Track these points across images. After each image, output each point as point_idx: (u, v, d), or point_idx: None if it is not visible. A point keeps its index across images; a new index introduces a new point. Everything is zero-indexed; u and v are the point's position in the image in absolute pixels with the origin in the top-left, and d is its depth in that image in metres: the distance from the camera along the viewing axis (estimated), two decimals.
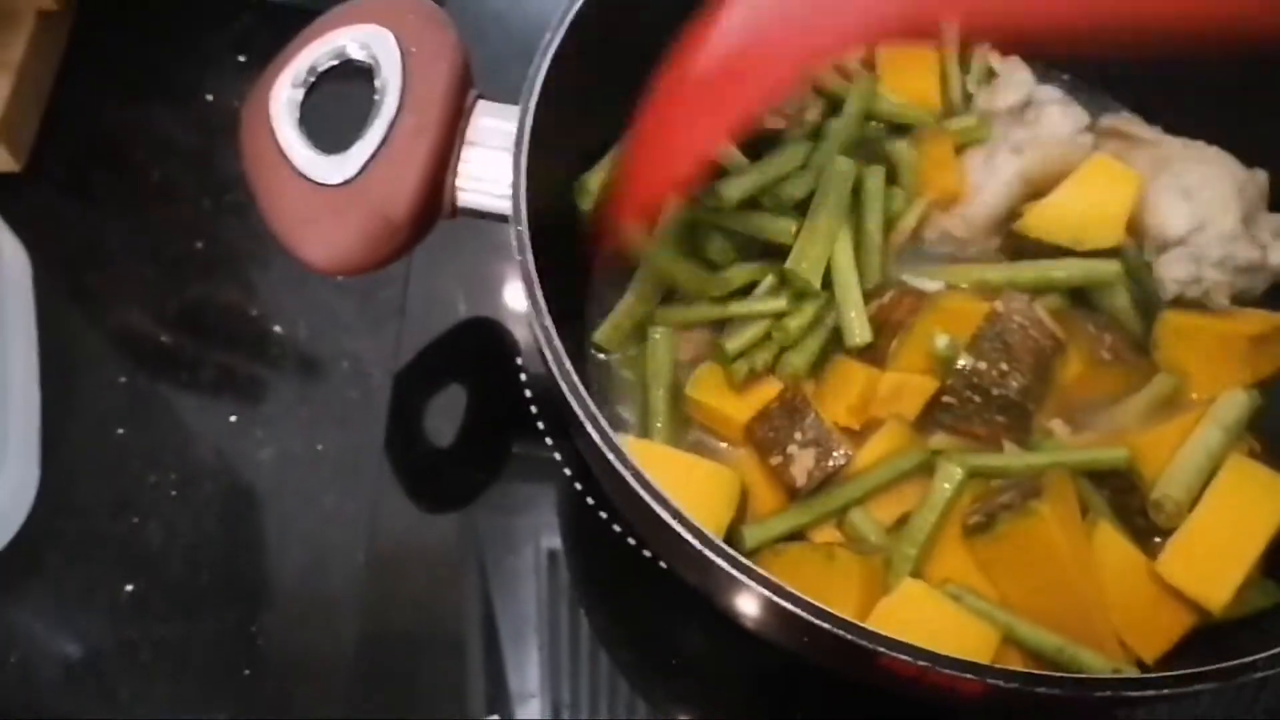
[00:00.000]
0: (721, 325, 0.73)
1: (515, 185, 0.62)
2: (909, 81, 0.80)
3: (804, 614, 0.51)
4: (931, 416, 0.69)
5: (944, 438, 0.69)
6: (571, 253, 0.73)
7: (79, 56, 0.96)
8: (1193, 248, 0.72)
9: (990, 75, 0.82)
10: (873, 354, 0.71)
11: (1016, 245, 0.75)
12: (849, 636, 0.50)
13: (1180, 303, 0.73)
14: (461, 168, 0.66)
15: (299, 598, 0.79)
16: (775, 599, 0.51)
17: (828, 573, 0.62)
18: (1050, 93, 0.80)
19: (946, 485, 0.65)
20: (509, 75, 0.68)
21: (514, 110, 0.65)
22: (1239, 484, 0.64)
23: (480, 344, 0.88)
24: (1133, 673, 0.61)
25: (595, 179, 0.76)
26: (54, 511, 0.80)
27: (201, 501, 0.81)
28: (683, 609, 0.74)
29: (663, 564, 0.74)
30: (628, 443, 0.65)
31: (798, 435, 0.66)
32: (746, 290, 0.74)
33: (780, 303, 0.70)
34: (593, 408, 0.55)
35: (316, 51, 0.65)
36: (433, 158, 0.64)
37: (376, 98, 0.65)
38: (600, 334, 0.74)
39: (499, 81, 0.70)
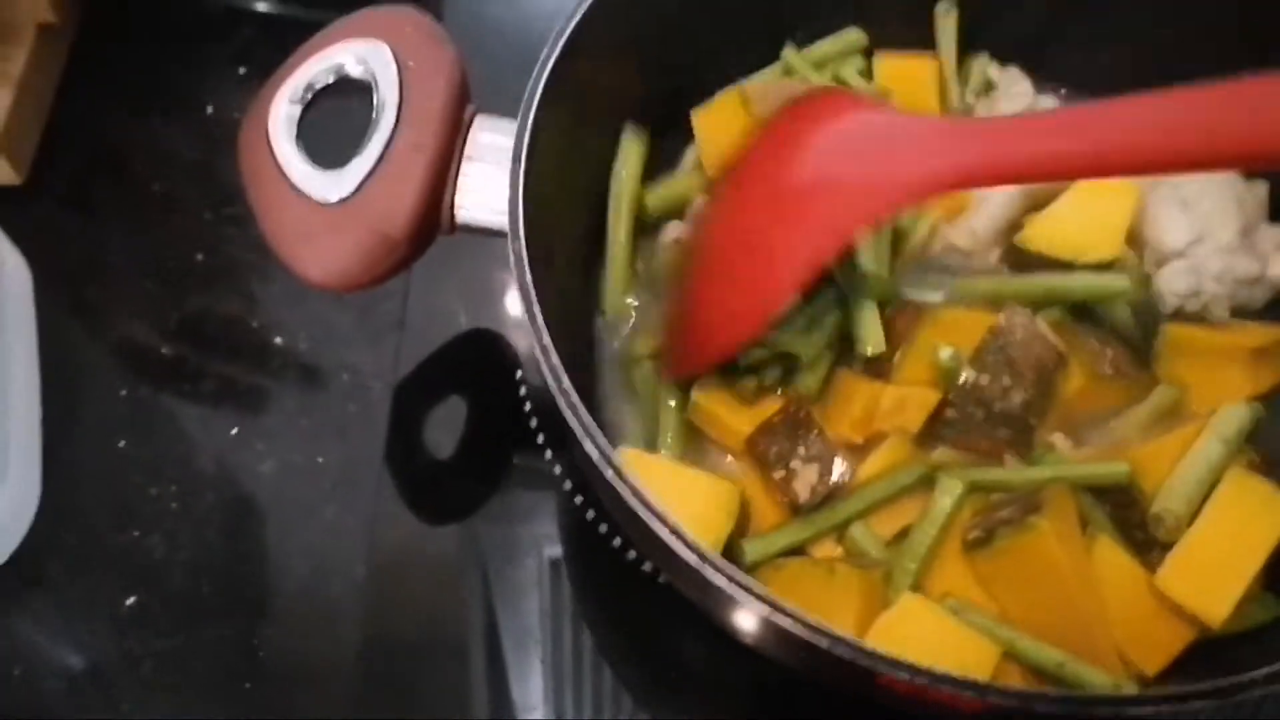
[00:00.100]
0: None
1: (513, 201, 0.62)
2: (908, 93, 0.80)
3: (803, 632, 0.50)
4: (934, 430, 0.69)
5: (946, 451, 0.68)
6: (571, 266, 0.74)
7: (80, 69, 0.97)
8: (1192, 260, 0.72)
9: (989, 86, 0.82)
10: (875, 366, 0.71)
11: (1017, 257, 0.75)
12: (848, 655, 0.50)
13: (1180, 315, 0.72)
14: (460, 183, 0.66)
15: (300, 609, 0.79)
16: (774, 616, 0.51)
17: (828, 587, 0.62)
18: (1049, 104, 0.79)
19: (946, 500, 0.65)
20: (508, 88, 0.68)
21: (512, 125, 0.65)
22: (1239, 497, 0.64)
23: (480, 355, 0.88)
24: (1133, 689, 0.61)
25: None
26: (56, 524, 0.80)
27: (202, 513, 0.81)
28: (684, 622, 0.73)
29: (662, 578, 0.74)
30: (627, 456, 0.65)
31: (801, 450, 0.66)
32: None
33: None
34: (591, 425, 0.55)
35: (314, 68, 0.65)
36: (431, 174, 0.64)
37: (374, 113, 0.65)
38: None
39: (498, 95, 0.70)
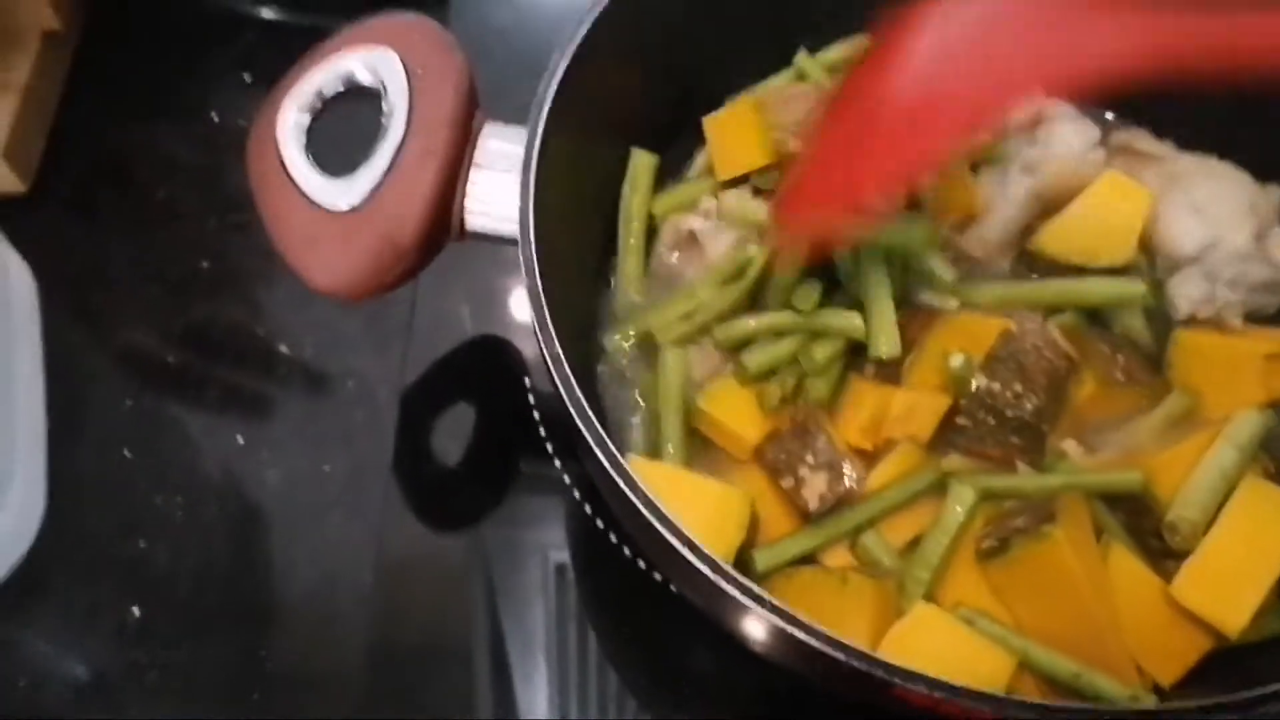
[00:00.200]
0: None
1: (523, 209, 0.61)
2: None
3: (818, 644, 0.50)
4: (945, 437, 0.68)
5: (957, 459, 0.68)
6: (579, 272, 0.73)
7: (84, 76, 0.97)
8: (1205, 266, 0.71)
9: None
10: (885, 371, 0.71)
11: (1029, 263, 0.75)
12: (865, 667, 0.50)
13: (1193, 321, 0.72)
14: (469, 191, 0.65)
15: (307, 619, 0.78)
16: (788, 628, 0.50)
17: (840, 597, 0.61)
18: (1061, 108, 0.79)
19: (959, 508, 0.64)
20: (517, 95, 0.67)
21: (522, 132, 0.65)
22: (1255, 505, 0.63)
23: (488, 361, 0.88)
24: (1150, 700, 0.61)
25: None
26: (61, 534, 0.80)
27: (208, 523, 0.81)
28: (692, 630, 0.73)
29: (673, 587, 0.73)
30: (636, 464, 0.65)
31: (809, 458, 0.65)
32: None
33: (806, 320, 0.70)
34: (601, 433, 0.55)
35: (322, 75, 0.64)
36: (440, 181, 0.63)
37: (383, 121, 0.64)
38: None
39: (507, 102, 0.70)
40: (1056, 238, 0.73)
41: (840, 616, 0.60)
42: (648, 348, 0.73)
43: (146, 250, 0.91)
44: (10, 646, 0.77)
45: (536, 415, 0.82)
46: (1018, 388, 0.67)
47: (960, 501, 0.64)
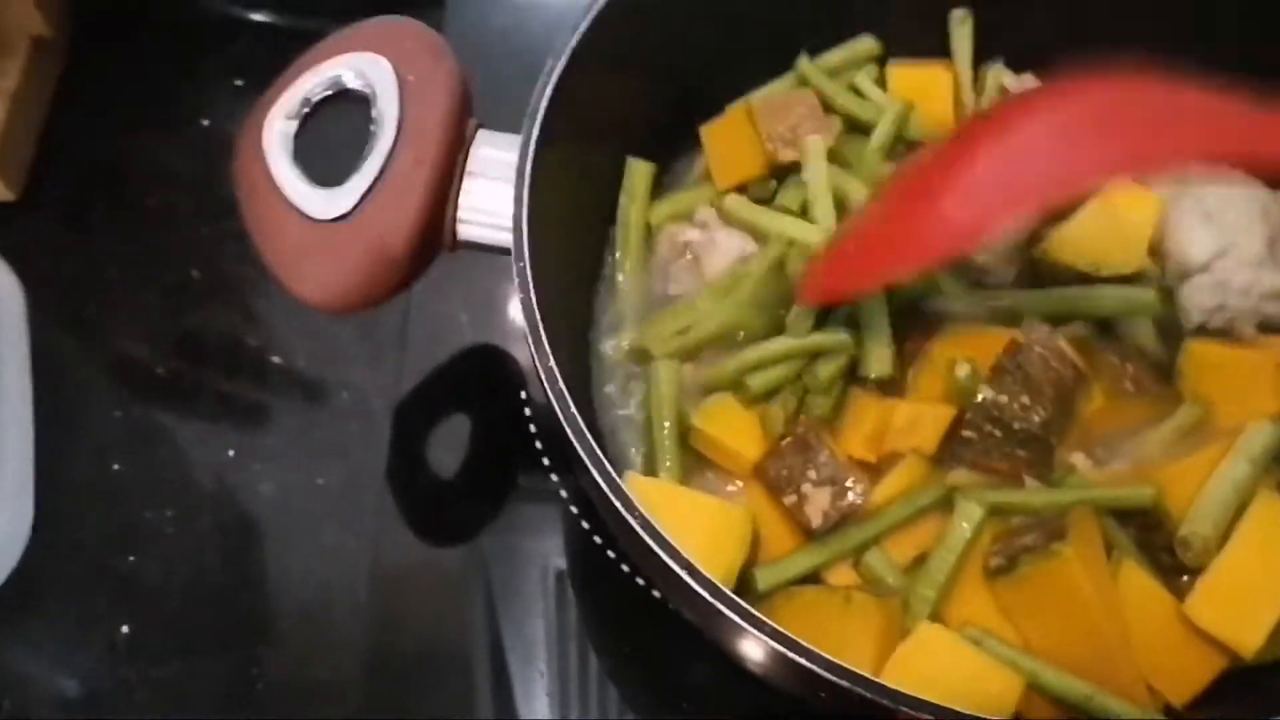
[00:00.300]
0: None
1: (517, 218, 0.60)
2: (922, 102, 0.78)
3: (821, 670, 0.48)
4: (950, 451, 0.66)
5: (963, 473, 0.66)
6: (574, 283, 0.72)
7: (74, 83, 0.96)
8: (1216, 274, 0.70)
9: (1005, 94, 0.80)
10: (888, 384, 0.69)
11: (1036, 271, 0.73)
12: (870, 694, 0.48)
13: (1204, 331, 0.70)
14: (462, 200, 0.64)
15: (300, 635, 0.77)
16: (790, 655, 0.49)
17: (844, 617, 0.60)
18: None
19: (965, 525, 0.62)
20: (511, 101, 0.66)
21: (516, 140, 0.63)
22: (1269, 521, 0.62)
23: (484, 371, 0.87)
24: None
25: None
26: (50, 548, 0.79)
27: (200, 537, 0.80)
28: (691, 645, 0.71)
29: (672, 605, 0.72)
30: (633, 482, 0.63)
31: (811, 473, 0.64)
32: None
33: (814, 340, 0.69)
34: (596, 451, 0.53)
35: (311, 81, 0.63)
36: (432, 190, 0.62)
37: (373, 128, 0.63)
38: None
39: (500, 108, 0.68)
40: (1064, 245, 0.71)
41: (844, 637, 0.59)
42: (646, 359, 0.72)
43: (137, 259, 0.90)
44: None
45: (533, 429, 0.80)
46: (1025, 400, 0.65)
47: (967, 518, 0.63)
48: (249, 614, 0.78)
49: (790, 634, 0.50)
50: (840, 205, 0.72)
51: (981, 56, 0.81)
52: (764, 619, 0.49)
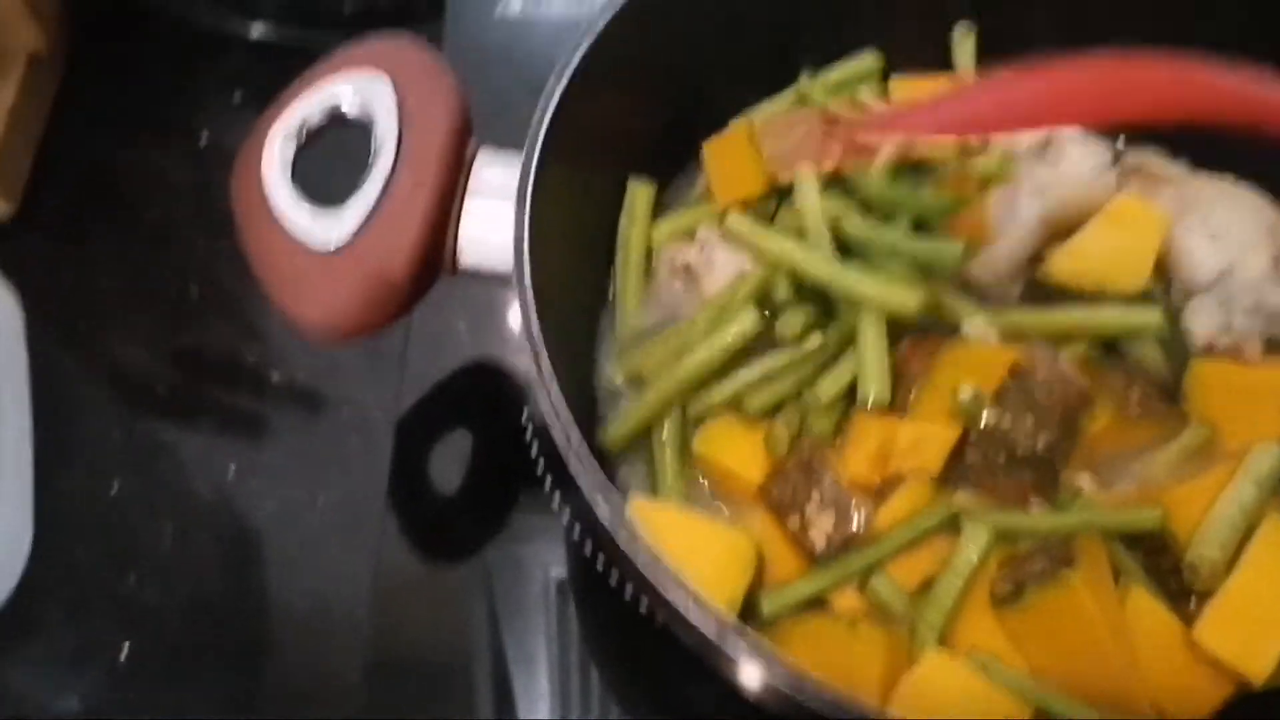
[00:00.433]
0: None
1: (518, 243, 0.59)
2: None
3: (829, 705, 0.48)
4: (954, 473, 0.66)
5: (968, 495, 0.66)
6: (575, 305, 0.71)
7: (71, 98, 0.95)
8: (1222, 294, 0.69)
9: None
10: (889, 405, 0.68)
11: (1039, 290, 0.72)
12: None
13: (1211, 351, 0.70)
14: (463, 223, 0.63)
15: (301, 653, 0.77)
16: (798, 689, 0.48)
17: (849, 645, 0.59)
18: (1070, 129, 0.77)
19: (972, 550, 0.62)
20: (511, 119, 0.65)
21: (517, 159, 0.62)
22: (1277, 545, 0.61)
23: (485, 385, 0.86)
24: None
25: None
26: (49, 569, 0.78)
27: (200, 557, 0.79)
28: (696, 670, 0.71)
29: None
30: (637, 507, 0.63)
31: (815, 496, 0.63)
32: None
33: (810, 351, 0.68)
34: (604, 483, 0.53)
35: (309, 102, 0.62)
36: (432, 214, 0.61)
37: (372, 150, 0.62)
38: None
39: (500, 126, 0.67)
40: (1068, 264, 0.71)
41: (850, 666, 0.58)
42: (642, 383, 0.71)
43: (136, 274, 0.90)
44: None
45: (535, 451, 0.79)
46: (1029, 422, 0.65)
47: (974, 543, 0.62)
48: (249, 632, 0.77)
49: (797, 667, 0.49)
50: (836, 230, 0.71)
51: (986, 70, 0.81)
52: (772, 652, 0.49)
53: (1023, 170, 0.76)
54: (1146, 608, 0.61)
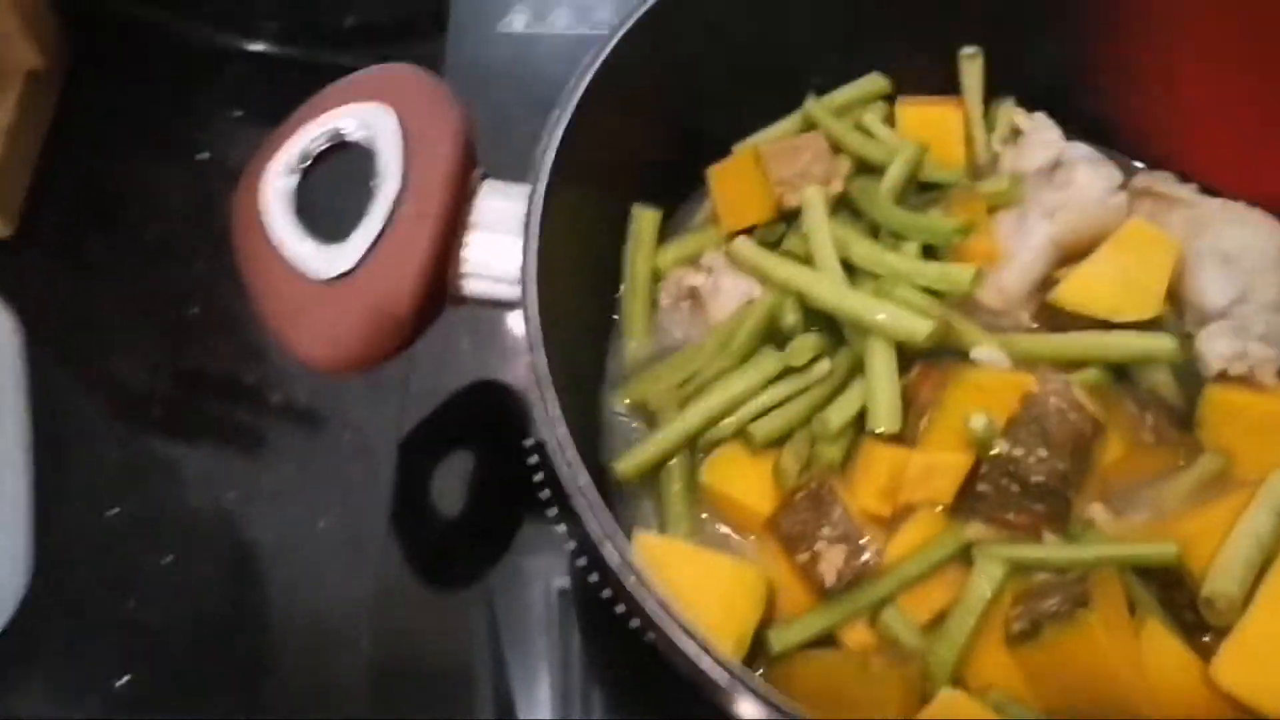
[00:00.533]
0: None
1: (525, 273, 0.58)
2: (932, 140, 0.77)
3: None
4: (966, 504, 0.65)
5: (979, 527, 0.65)
6: (580, 335, 0.70)
7: (69, 116, 0.95)
8: (1235, 320, 0.69)
9: (1016, 133, 0.79)
10: (899, 433, 0.68)
11: (1050, 316, 0.72)
12: None
13: (1224, 378, 0.69)
14: (467, 253, 0.62)
15: (302, 681, 0.76)
16: None
17: (861, 684, 0.58)
18: (1080, 150, 0.76)
19: (985, 585, 0.61)
20: (515, 147, 0.64)
21: (522, 190, 0.61)
22: None
23: (490, 404, 0.85)
24: None
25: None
26: (47, 597, 0.77)
27: (200, 585, 0.79)
28: (703, 701, 0.70)
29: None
30: (644, 541, 0.62)
31: (825, 530, 0.62)
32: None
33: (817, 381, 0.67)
34: (612, 526, 0.52)
35: (311, 134, 0.61)
36: (436, 245, 0.60)
37: (375, 181, 0.61)
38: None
39: (504, 154, 0.67)
40: (1079, 290, 0.70)
41: (862, 705, 0.57)
42: (648, 413, 0.70)
43: (135, 295, 0.89)
44: None
45: (538, 477, 0.78)
46: (1042, 452, 0.64)
47: (987, 578, 0.61)
48: (250, 658, 0.76)
49: (807, 711, 0.48)
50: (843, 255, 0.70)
51: (993, 93, 0.80)
52: (784, 701, 0.48)
53: (1032, 192, 0.75)
54: (1163, 644, 0.60)
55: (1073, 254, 0.73)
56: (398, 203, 0.60)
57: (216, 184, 0.90)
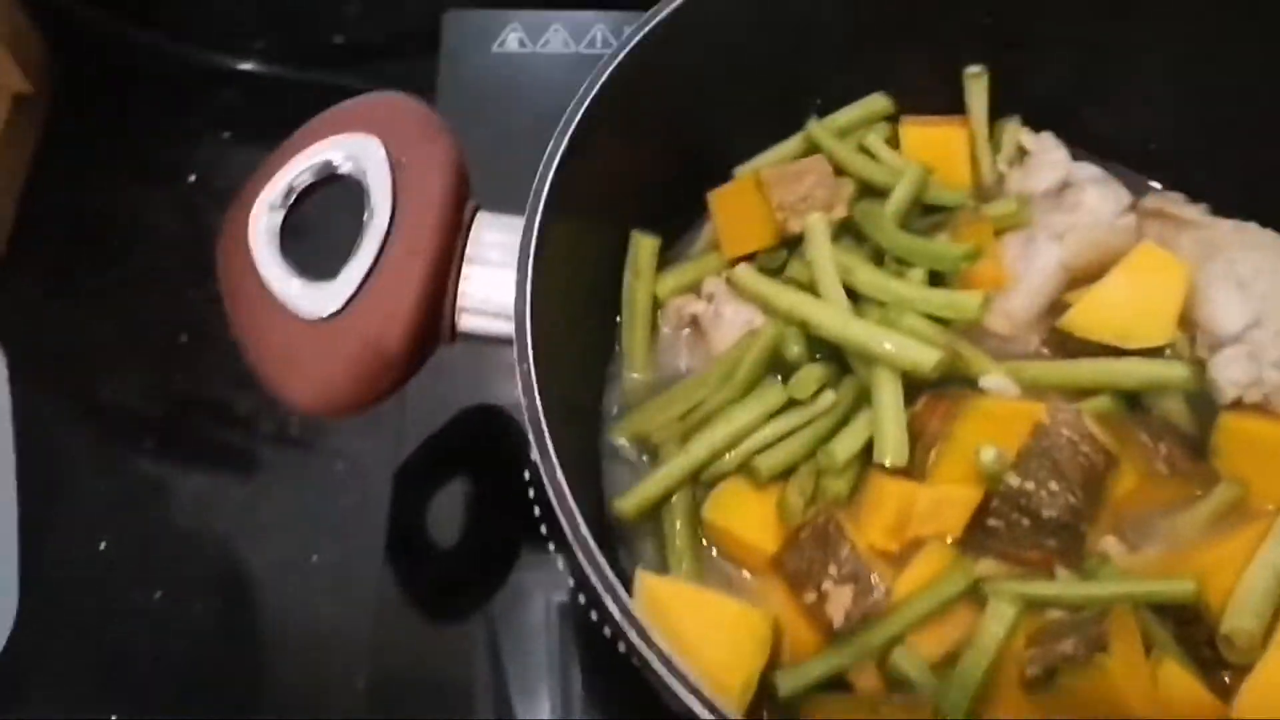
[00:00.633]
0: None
1: (519, 309, 0.56)
2: (938, 162, 0.75)
3: None
4: (976, 540, 0.63)
5: (990, 563, 0.63)
6: (577, 370, 0.68)
7: (56, 140, 0.94)
8: (1250, 345, 0.67)
9: (1022, 153, 0.77)
10: (907, 466, 0.66)
11: (1060, 341, 0.70)
12: None
13: (1239, 406, 0.67)
14: (461, 289, 0.60)
15: (297, 716, 0.74)
16: None
17: None
18: (1088, 171, 0.75)
19: (998, 627, 0.59)
20: (510, 178, 0.62)
21: (518, 222, 0.60)
22: None
23: (487, 431, 0.83)
24: None
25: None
26: (33, 633, 0.76)
27: (190, 622, 0.77)
28: None
29: None
30: (646, 582, 0.60)
31: (833, 569, 0.61)
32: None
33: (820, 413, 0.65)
34: (612, 579, 0.50)
35: (298, 168, 0.59)
36: (428, 282, 0.58)
37: (365, 216, 0.59)
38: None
39: (499, 185, 0.65)
40: (1088, 316, 0.69)
41: None
42: (649, 445, 0.69)
43: (123, 322, 0.88)
44: None
45: (536, 511, 0.77)
46: (1053, 486, 0.62)
47: (999, 619, 0.59)
48: (242, 699, 0.75)
49: None
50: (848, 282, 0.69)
51: (998, 113, 0.79)
52: None
53: (1039, 214, 0.73)
54: (1181, 685, 0.58)
55: (1081, 277, 0.72)
56: (387, 239, 0.58)
57: (205, 207, 0.89)
